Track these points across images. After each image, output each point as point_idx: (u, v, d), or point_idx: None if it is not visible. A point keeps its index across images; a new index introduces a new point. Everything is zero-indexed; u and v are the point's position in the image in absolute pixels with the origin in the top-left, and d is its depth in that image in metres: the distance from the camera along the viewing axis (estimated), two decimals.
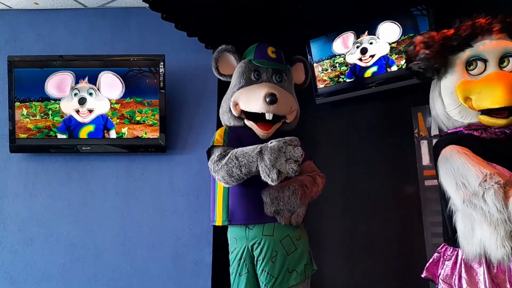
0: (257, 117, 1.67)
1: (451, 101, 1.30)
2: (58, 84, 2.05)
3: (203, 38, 2.26)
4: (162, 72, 2.21)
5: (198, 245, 2.17)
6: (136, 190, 2.25)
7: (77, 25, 2.47)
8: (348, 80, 2.28)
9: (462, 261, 1.18)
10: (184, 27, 2.15)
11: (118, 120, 2.15)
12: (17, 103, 2.12)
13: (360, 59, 2.22)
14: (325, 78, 2.36)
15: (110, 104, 2.15)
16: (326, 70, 2.35)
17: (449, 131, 1.34)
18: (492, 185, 1.03)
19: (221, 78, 1.85)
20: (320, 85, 2.37)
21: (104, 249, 2.19)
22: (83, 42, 2.43)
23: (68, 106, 2.09)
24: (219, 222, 1.64)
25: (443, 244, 1.33)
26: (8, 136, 2.22)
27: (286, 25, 2.29)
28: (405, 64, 1.45)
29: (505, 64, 1.24)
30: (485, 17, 1.31)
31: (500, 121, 1.19)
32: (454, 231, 1.20)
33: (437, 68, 1.31)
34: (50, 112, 2.09)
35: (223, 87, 1.94)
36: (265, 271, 1.54)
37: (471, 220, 1.10)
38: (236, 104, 1.71)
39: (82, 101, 2.04)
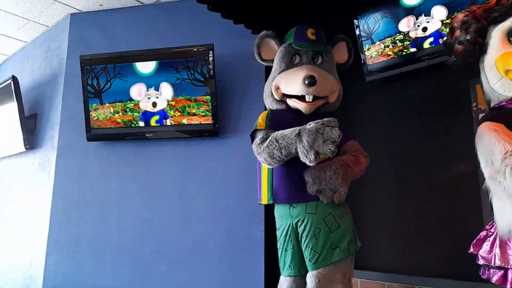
0: (298, 99, 1.72)
1: (493, 75, 1.24)
2: (138, 91, 2.48)
3: (249, 24, 2.33)
4: (211, 60, 2.33)
5: (250, 223, 2.30)
6: (193, 172, 2.44)
7: (136, 21, 2.69)
8: (411, 50, 2.17)
9: (498, 236, 1.15)
10: (230, 15, 2.24)
11: (178, 113, 2.40)
12: (106, 104, 2.53)
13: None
14: (389, 53, 2.28)
15: (167, 102, 2.43)
16: (388, 46, 2.28)
17: (493, 106, 1.27)
18: (510, 161, 0.98)
19: (264, 63, 1.92)
20: (381, 60, 2.30)
21: (167, 225, 2.42)
22: (142, 37, 2.64)
23: (144, 105, 2.48)
24: (264, 201, 1.74)
25: (491, 222, 1.29)
26: (85, 127, 2.55)
27: (331, 3, 2.27)
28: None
29: None
30: None
31: None
32: (492, 206, 1.16)
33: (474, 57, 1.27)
34: (127, 110, 2.48)
35: (269, 71, 1.99)
36: (309, 247, 1.62)
37: (501, 199, 1.06)
38: (277, 88, 1.77)
39: (154, 104, 2.46)
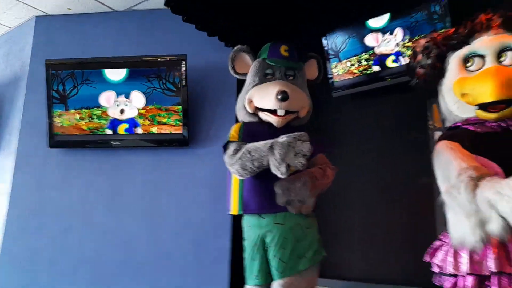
0: (270, 113, 1.78)
1: (450, 98, 1.35)
2: (107, 98, 2.45)
3: (223, 37, 2.38)
4: (184, 70, 2.34)
5: (218, 233, 2.31)
6: (161, 182, 2.43)
7: (107, 28, 2.65)
8: (375, 69, 2.30)
9: (451, 246, 1.25)
10: (204, 27, 2.28)
11: (148, 122, 2.37)
12: (72, 110, 2.47)
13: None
14: (355, 71, 2.40)
15: (138, 110, 2.42)
16: (354, 65, 2.40)
17: (450, 126, 1.39)
18: (465, 178, 1.09)
19: (237, 76, 1.96)
20: (347, 77, 2.42)
21: (132, 236, 2.38)
22: (112, 44, 2.61)
23: (112, 112, 2.46)
24: (234, 211, 1.76)
25: (445, 232, 1.40)
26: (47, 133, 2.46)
27: (302, 21, 2.37)
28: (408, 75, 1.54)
29: (502, 58, 1.27)
30: (487, 14, 1.34)
31: (492, 115, 1.23)
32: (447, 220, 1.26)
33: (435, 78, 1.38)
34: (94, 117, 2.44)
35: (242, 84, 2.04)
36: (276, 257, 1.66)
37: (456, 211, 1.17)
38: (250, 101, 1.82)
39: (122, 111, 2.43)
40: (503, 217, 1.06)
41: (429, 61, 1.40)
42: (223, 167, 2.25)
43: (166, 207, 2.39)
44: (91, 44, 2.64)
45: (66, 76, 2.43)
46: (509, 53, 1.28)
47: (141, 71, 2.38)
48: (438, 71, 1.41)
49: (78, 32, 2.68)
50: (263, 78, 1.84)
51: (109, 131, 2.42)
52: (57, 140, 2.47)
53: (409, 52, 2.16)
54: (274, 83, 1.79)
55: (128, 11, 2.69)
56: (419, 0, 2.12)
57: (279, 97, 1.70)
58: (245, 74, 1.93)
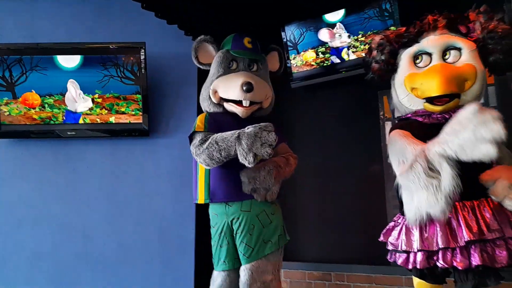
0: (235, 103, 1.82)
1: (401, 91, 1.49)
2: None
3: (182, 25, 2.35)
4: (143, 59, 2.30)
5: (182, 222, 2.33)
6: (121, 172, 2.38)
7: (58, 12, 2.50)
8: (333, 60, 2.41)
9: (405, 226, 1.40)
10: (164, 15, 2.24)
11: (105, 111, 2.28)
12: (20, 99, 2.31)
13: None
14: (312, 63, 2.50)
15: (93, 99, 2.35)
16: (312, 57, 2.49)
17: (401, 117, 1.54)
18: (419, 154, 1.25)
19: (201, 66, 1.97)
20: (305, 69, 2.51)
21: (92, 228, 2.33)
22: (65, 30, 2.47)
23: (69, 104, 2.35)
24: (201, 200, 1.80)
25: (398, 214, 1.54)
26: None
27: (262, 13, 2.42)
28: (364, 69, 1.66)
29: (447, 56, 1.42)
30: (434, 15, 1.49)
31: (437, 108, 1.39)
32: (401, 201, 1.40)
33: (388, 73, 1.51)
34: (46, 105, 2.30)
35: (202, 73, 2.05)
36: (243, 242, 1.73)
37: (411, 191, 1.30)
38: (215, 92, 1.84)
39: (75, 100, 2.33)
40: (453, 163, 1.20)
41: (383, 57, 1.53)
42: (185, 157, 2.28)
43: (127, 198, 2.36)
44: (41, 29, 2.48)
45: (13, 62, 2.27)
46: (452, 52, 1.43)
47: (97, 58, 2.29)
48: (391, 66, 1.54)
49: (26, 16, 2.49)
50: (227, 69, 1.87)
51: (64, 120, 2.31)
52: (4, 130, 2.31)
53: (362, 47, 2.30)
54: (238, 74, 1.82)
55: None
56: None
57: (244, 88, 1.74)
58: (209, 64, 1.95)
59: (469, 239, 1.26)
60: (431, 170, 1.22)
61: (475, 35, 1.43)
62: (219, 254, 1.80)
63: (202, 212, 2.15)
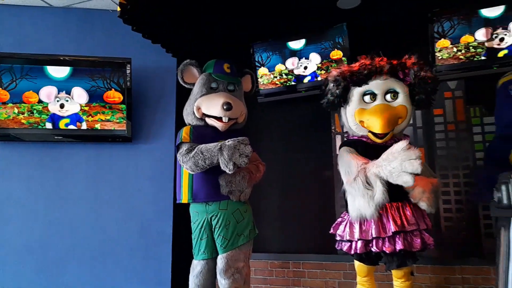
0: (216, 119, 2.16)
1: (351, 120, 1.90)
2: (47, 94, 2.53)
3: (165, 45, 2.65)
4: (129, 73, 2.56)
5: (160, 219, 2.62)
6: (106, 174, 2.62)
7: (44, 23, 2.68)
8: (293, 83, 2.84)
9: (349, 221, 1.83)
10: (150, 36, 2.52)
11: (91, 118, 2.51)
12: (10, 104, 2.46)
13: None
14: (277, 82, 2.90)
15: (81, 107, 2.56)
16: (276, 77, 2.89)
17: (350, 137, 1.97)
18: (360, 169, 1.67)
19: (185, 85, 2.28)
20: (270, 87, 2.90)
21: (78, 224, 2.55)
22: (51, 40, 2.66)
23: (52, 107, 2.54)
24: (185, 200, 2.12)
25: (344, 212, 1.98)
26: None
27: (234, 38, 2.79)
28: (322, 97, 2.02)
29: (389, 98, 1.85)
30: (380, 59, 1.89)
31: (379, 140, 1.83)
32: (346, 202, 1.84)
33: (340, 103, 1.91)
34: (34, 111, 2.48)
35: (181, 86, 2.32)
36: (221, 235, 2.08)
37: (353, 196, 1.74)
38: (198, 108, 2.17)
39: (61, 106, 2.52)
40: (384, 182, 1.62)
41: (337, 92, 1.92)
42: (164, 161, 2.60)
43: (110, 197, 2.60)
44: (28, 38, 2.64)
45: (4, 70, 2.43)
46: (390, 94, 1.86)
47: (86, 70, 2.52)
48: (343, 100, 1.93)
49: (13, 24, 2.64)
50: (209, 89, 2.20)
51: (49, 125, 2.50)
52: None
53: (319, 72, 2.75)
54: (219, 95, 2.17)
55: (66, 8, 2.74)
56: (327, 32, 2.71)
57: (225, 107, 2.09)
58: (192, 84, 2.27)
59: (395, 230, 1.72)
60: (368, 184, 1.66)
61: (409, 80, 1.86)
62: (199, 245, 2.13)
63: (179, 210, 2.48)
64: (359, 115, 1.86)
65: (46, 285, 2.48)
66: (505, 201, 1.39)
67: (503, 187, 1.39)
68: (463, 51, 2.47)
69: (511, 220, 1.38)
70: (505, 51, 2.38)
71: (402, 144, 1.59)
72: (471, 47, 2.46)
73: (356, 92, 1.89)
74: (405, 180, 1.56)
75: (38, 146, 2.57)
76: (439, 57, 2.51)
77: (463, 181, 2.43)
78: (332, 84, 1.95)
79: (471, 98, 2.52)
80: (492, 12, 2.42)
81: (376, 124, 1.79)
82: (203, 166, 1.99)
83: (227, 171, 1.94)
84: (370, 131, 1.85)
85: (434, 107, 2.55)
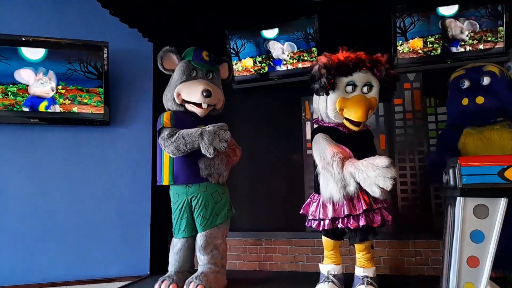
0: (195, 105, 2.27)
1: (332, 108, 2.01)
2: (25, 76, 2.52)
3: (141, 29, 2.68)
4: (106, 57, 2.58)
5: (138, 200, 2.71)
6: (83, 157, 2.66)
7: (16, 4, 2.61)
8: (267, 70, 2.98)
9: (321, 202, 2.03)
10: (127, 20, 2.55)
11: (68, 101, 2.52)
12: None
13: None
14: (251, 69, 3.01)
15: (57, 90, 2.57)
16: (250, 64, 3.01)
17: (324, 124, 2.13)
18: (337, 159, 1.85)
19: (165, 71, 2.35)
20: (244, 74, 3.02)
21: (55, 206, 2.59)
22: (23, 21, 2.61)
23: (39, 90, 2.55)
24: (166, 182, 2.23)
25: (313, 193, 2.17)
26: None
27: (209, 24, 2.87)
28: (310, 80, 2.09)
29: (365, 90, 2.01)
30: (362, 53, 2.03)
31: (354, 128, 1.99)
32: (318, 184, 2.03)
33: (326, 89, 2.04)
34: (9, 93, 2.46)
35: (158, 70, 2.38)
36: (200, 215, 2.22)
37: (327, 178, 1.93)
38: (179, 95, 2.26)
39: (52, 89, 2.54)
40: (357, 182, 1.82)
41: (330, 78, 1.97)
42: (142, 144, 2.68)
43: (88, 179, 2.65)
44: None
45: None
46: (367, 86, 2.02)
47: (61, 53, 2.52)
48: (330, 86, 1.99)
49: None
50: (189, 76, 2.29)
51: (26, 109, 2.50)
52: None
53: (290, 61, 2.89)
54: (198, 82, 2.27)
55: None
56: (299, 22, 2.85)
57: (204, 94, 2.20)
58: (172, 70, 2.34)
59: (365, 208, 1.92)
60: (342, 175, 1.85)
61: (379, 75, 2.04)
62: (179, 225, 2.26)
63: (157, 192, 2.58)
64: (341, 104, 1.99)
65: (24, 265, 2.52)
66: (451, 182, 1.62)
67: (451, 171, 1.62)
68: (421, 46, 2.71)
69: (457, 199, 1.62)
70: (455, 49, 2.64)
71: (386, 161, 1.74)
72: (428, 42, 2.70)
73: (340, 81, 2.00)
74: (373, 190, 1.75)
75: (13, 129, 2.55)
76: (400, 51, 2.74)
77: (418, 164, 2.70)
78: (324, 71, 1.99)
79: (427, 90, 2.77)
80: (448, 10, 2.66)
81: (357, 114, 1.94)
82: (184, 150, 2.10)
83: (208, 155, 2.07)
84: (346, 119, 2.01)
85: (394, 98, 2.81)
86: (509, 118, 2.12)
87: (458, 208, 1.60)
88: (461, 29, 2.64)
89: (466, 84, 2.19)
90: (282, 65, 2.96)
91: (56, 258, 2.56)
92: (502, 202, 1.55)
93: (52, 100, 2.54)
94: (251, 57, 3.02)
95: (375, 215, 2.00)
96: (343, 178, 1.86)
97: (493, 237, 1.57)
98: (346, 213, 1.93)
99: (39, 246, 2.54)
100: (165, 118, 2.23)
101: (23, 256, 2.51)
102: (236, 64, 3.03)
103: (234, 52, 3.03)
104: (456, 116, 2.24)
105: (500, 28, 2.58)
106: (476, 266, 1.59)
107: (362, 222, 1.96)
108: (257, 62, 3.01)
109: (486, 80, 2.14)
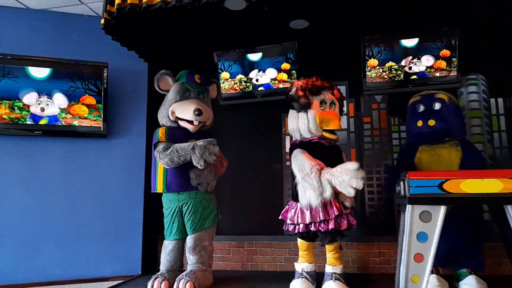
0: (188, 122, 2.56)
1: (313, 122, 2.31)
2: (29, 97, 2.76)
3: (139, 51, 2.96)
4: (106, 76, 2.85)
5: (132, 206, 2.96)
6: (81, 166, 2.90)
7: (20, 24, 2.85)
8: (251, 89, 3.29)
9: (299, 208, 2.33)
10: (126, 44, 2.82)
11: (70, 116, 2.77)
12: None
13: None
14: (236, 88, 3.33)
15: (59, 109, 2.82)
16: (236, 83, 3.32)
17: (302, 140, 2.44)
18: (314, 169, 2.15)
19: (160, 91, 2.64)
20: (230, 91, 3.33)
21: (53, 210, 2.81)
22: (26, 41, 2.84)
23: (34, 109, 2.76)
24: (160, 190, 2.50)
25: (291, 201, 2.48)
26: None
27: (200, 47, 3.18)
28: (289, 100, 2.44)
29: (332, 106, 2.36)
30: (326, 80, 2.40)
31: (333, 136, 2.33)
32: (297, 193, 2.31)
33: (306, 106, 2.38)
34: (15, 108, 2.70)
35: (152, 88, 2.67)
36: (190, 219, 2.49)
37: (305, 188, 2.24)
38: (173, 112, 2.55)
39: (42, 110, 2.76)
40: (333, 187, 2.13)
41: (303, 100, 2.32)
42: (136, 155, 2.94)
43: (85, 186, 2.89)
44: (3, 38, 2.80)
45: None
46: (333, 104, 2.37)
47: (65, 72, 2.76)
48: (306, 105, 2.33)
49: None
50: (182, 96, 2.58)
51: (30, 122, 2.73)
52: None
53: (276, 83, 3.23)
54: (191, 101, 2.56)
55: (43, 11, 2.93)
56: (281, 48, 3.19)
57: (196, 113, 2.49)
58: (166, 90, 2.63)
59: (337, 213, 2.24)
60: (320, 184, 2.17)
61: (337, 95, 2.42)
62: (171, 228, 2.53)
63: (149, 198, 2.85)
64: (320, 118, 2.31)
65: (23, 266, 2.73)
66: (402, 192, 1.96)
67: (402, 183, 1.97)
68: (387, 72, 3.10)
69: (406, 206, 1.95)
70: (415, 76, 3.04)
71: (355, 165, 2.07)
72: (393, 69, 3.09)
73: (315, 100, 2.34)
74: (348, 191, 2.08)
75: (17, 140, 2.78)
76: (369, 76, 3.11)
77: (383, 176, 3.07)
78: (302, 92, 2.34)
79: (392, 110, 3.14)
80: (409, 42, 3.06)
81: (335, 123, 2.30)
82: (177, 162, 2.39)
83: (199, 166, 2.36)
84: (326, 130, 2.32)
85: (364, 116, 3.19)
86: (455, 138, 2.50)
87: (407, 213, 1.93)
88: (421, 59, 3.04)
89: (421, 108, 2.56)
90: (265, 87, 3.29)
91: (52, 259, 2.78)
92: (442, 209, 1.89)
93: (54, 118, 2.77)
94: (233, 78, 3.34)
95: (343, 220, 2.31)
96: (321, 186, 2.17)
97: (435, 237, 1.90)
98: (321, 218, 2.23)
99: (37, 248, 2.76)
100: (161, 133, 2.51)
101: (22, 257, 2.72)
102: (223, 82, 3.34)
103: (221, 72, 3.34)
104: (412, 135, 2.61)
105: (454, 59, 2.98)
106: (421, 261, 1.91)
107: (331, 225, 2.26)
108: (242, 81, 3.33)
109: (437, 106, 2.51)
